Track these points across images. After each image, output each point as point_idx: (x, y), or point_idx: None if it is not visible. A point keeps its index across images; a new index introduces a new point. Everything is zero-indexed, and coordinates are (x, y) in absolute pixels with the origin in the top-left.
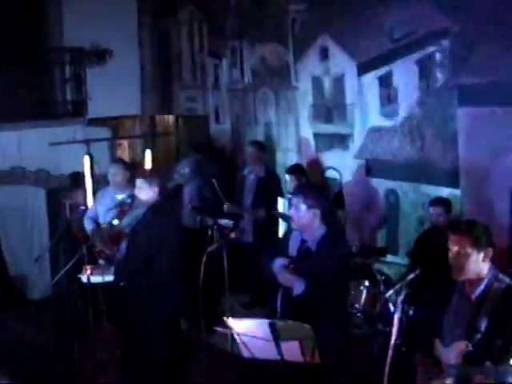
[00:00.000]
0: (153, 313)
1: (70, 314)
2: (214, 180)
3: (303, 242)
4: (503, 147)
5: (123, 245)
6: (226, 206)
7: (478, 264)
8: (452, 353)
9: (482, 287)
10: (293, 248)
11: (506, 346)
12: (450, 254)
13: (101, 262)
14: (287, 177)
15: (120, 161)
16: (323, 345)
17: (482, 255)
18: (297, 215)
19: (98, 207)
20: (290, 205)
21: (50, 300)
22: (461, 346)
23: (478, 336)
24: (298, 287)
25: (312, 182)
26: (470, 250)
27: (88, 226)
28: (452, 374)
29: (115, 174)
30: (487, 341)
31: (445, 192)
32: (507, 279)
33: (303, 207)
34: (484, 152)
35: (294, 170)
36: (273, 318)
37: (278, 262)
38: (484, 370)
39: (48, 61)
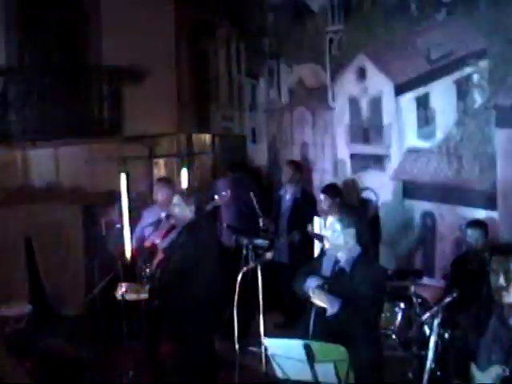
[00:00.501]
0: (186, 331)
1: (104, 330)
2: (252, 193)
3: (337, 262)
4: None
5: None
6: (261, 220)
7: None
8: (488, 377)
9: None
10: (326, 269)
11: None
12: (496, 276)
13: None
14: (322, 196)
15: (163, 179)
16: (357, 367)
17: None
18: (332, 235)
19: (143, 226)
20: (325, 225)
21: (84, 316)
22: (497, 370)
23: None
24: (333, 307)
25: (347, 201)
26: None
27: (133, 243)
28: None
29: (158, 192)
30: None
31: (482, 214)
32: None
33: (338, 227)
34: None
35: (329, 189)
36: (305, 338)
37: (312, 282)
38: None
39: (86, 79)
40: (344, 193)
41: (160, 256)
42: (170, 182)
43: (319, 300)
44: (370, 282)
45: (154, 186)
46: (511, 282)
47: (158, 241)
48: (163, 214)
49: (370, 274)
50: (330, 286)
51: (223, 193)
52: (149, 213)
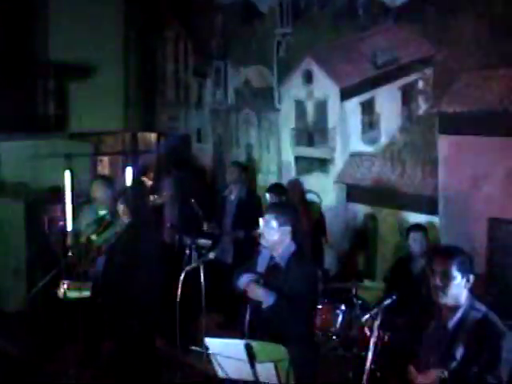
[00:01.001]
0: (128, 329)
1: (45, 328)
2: (193, 200)
3: (272, 258)
4: (482, 176)
5: (100, 261)
6: (205, 225)
7: (460, 289)
8: (427, 379)
9: (458, 315)
10: (261, 265)
11: (481, 374)
12: (434, 277)
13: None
14: (267, 195)
15: (102, 177)
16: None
17: (464, 281)
18: (268, 232)
19: (81, 223)
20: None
21: (25, 313)
22: (436, 373)
23: (454, 364)
24: (268, 299)
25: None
26: (455, 273)
27: (69, 240)
28: None
29: (97, 190)
30: (462, 369)
31: (423, 219)
32: (484, 308)
33: (275, 224)
34: (463, 180)
35: (274, 188)
36: (242, 332)
37: (246, 277)
38: None
39: (32, 74)
40: (290, 194)
41: (96, 253)
42: (108, 179)
43: (254, 294)
44: (303, 279)
45: (93, 184)
46: (449, 284)
47: (94, 237)
48: (101, 212)
49: (304, 271)
50: (265, 280)
51: (164, 193)
52: (86, 210)
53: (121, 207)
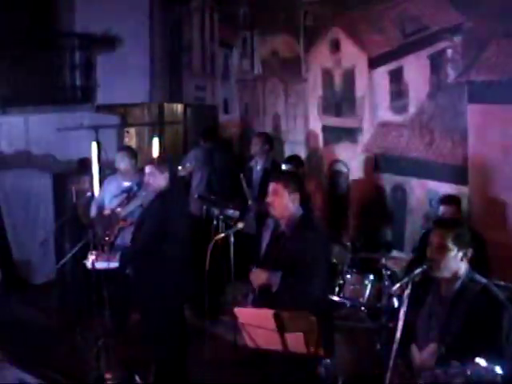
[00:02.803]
0: (157, 300)
1: (73, 298)
2: (241, 175)
3: (278, 225)
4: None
5: (127, 232)
6: (250, 202)
7: (457, 262)
8: (425, 354)
9: (457, 287)
10: (266, 233)
11: (480, 347)
12: (430, 249)
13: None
14: (284, 166)
15: (126, 148)
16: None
17: (461, 254)
18: (277, 201)
19: (104, 194)
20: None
21: (53, 284)
22: (433, 348)
23: (452, 338)
24: (275, 281)
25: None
26: (450, 246)
27: (93, 211)
28: (426, 379)
29: (121, 161)
30: (461, 343)
31: (453, 189)
32: (484, 280)
33: (284, 193)
34: (493, 149)
35: (291, 159)
36: None
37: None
38: (450, 371)
39: (58, 46)
40: (316, 165)
41: (121, 224)
42: (132, 151)
43: (260, 280)
44: (310, 242)
45: (117, 156)
46: (444, 257)
47: (119, 209)
48: (125, 184)
49: (310, 235)
50: (270, 251)
51: (187, 164)
52: (110, 181)
53: (157, 175)
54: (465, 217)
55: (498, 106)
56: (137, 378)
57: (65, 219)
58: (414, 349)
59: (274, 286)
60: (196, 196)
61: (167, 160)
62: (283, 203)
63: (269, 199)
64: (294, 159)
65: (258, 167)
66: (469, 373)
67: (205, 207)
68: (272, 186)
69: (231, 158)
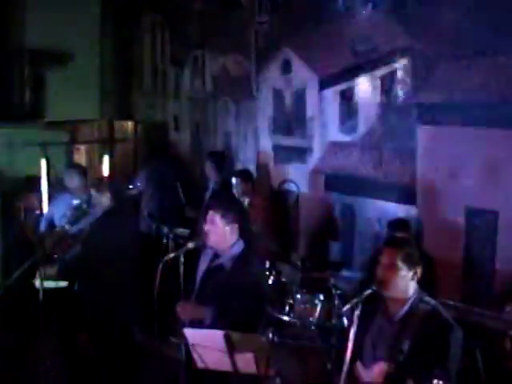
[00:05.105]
0: (105, 318)
1: (20, 318)
2: (178, 183)
3: (216, 257)
4: (460, 165)
5: (75, 249)
6: (187, 211)
7: (406, 282)
8: (372, 374)
9: (406, 308)
10: (202, 264)
11: (429, 367)
12: (379, 268)
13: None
14: (234, 180)
15: (76, 166)
16: None
17: (410, 273)
18: (213, 231)
19: (53, 211)
20: (205, 219)
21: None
22: (382, 366)
23: (401, 357)
24: (209, 315)
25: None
26: (400, 265)
27: (42, 228)
28: None
29: (70, 179)
30: (410, 362)
31: (401, 209)
32: (433, 301)
33: (220, 222)
34: (441, 169)
35: (241, 173)
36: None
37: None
38: None
39: (7, 61)
40: (266, 184)
41: (72, 242)
42: (81, 168)
43: (190, 314)
44: (252, 280)
45: (66, 173)
46: (394, 276)
47: (67, 227)
48: (75, 201)
49: (253, 271)
50: (205, 283)
51: (138, 183)
52: (59, 198)
53: (99, 195)
54: (413, 236)
55: (446, 127)
56: None
57: (12, 237)
58: (359, 366)
59: (207, 319)
60: (145, 214)
61: (112, 180)
62: (219, 233)
63: (205, 228)
64: (243, 173)
65: (211, 185)
66: None
67: (154, 226)
68: (209, 215)
69: (182, 175)
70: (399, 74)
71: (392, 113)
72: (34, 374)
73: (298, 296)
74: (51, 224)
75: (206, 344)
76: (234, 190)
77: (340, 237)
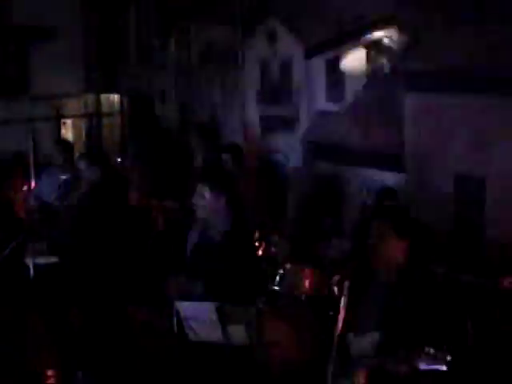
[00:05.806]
0: (95, 292)
1: (12, 294)
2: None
3: (206, 230)
4: (448, 132)
5: (64, 224)
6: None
7: (397, 250)
8: (365, 343)
9: (397, 275)
10: (192, 238)
11: (421, 333)
12: (371, 237)
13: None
14: (224, 156)
15: (63, 142)
16: None
17: (401, 242)
18: (202, 204)
19: (42, 187)
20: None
21: None
22: (374, 335)
23: (393, 325)
24: (200, 289)
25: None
26: (391, 233)
27: (31, 203)
28: (364, 365)
29: (58, 154)
30: (402, 329)
31: (389, 176)
32: (425, 269)
33: (209, 195)
34: (429, 137)
35: (230, 148)
36: None
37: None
38: (397, 359)
39: None
40: (253, 155)
41: (58, 216)
42: (68, 144)
43: (176, 290)
44: (239, 254)
45: (53, 149)
46: (385, 246)
47: (56, 202)
48: (63, 177)
49: (240, 244)
50: (194, 258)
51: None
52: (47, 174)
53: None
54: (404, 204)
55: (434, 95)
56: (79, 374)
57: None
58: (350, 337)
59: (197, 292)
60: (135, 188)
61: (99, 153)
62: (209, 207)
63: (194, 200)
64: (232, 148)
65: (199, 159)
66: (416, 361)
67: (143, 199)
68: (198, 188)
69: (169, 147)
70: (385, 42)
71: (379, 81)
72: (25, 348)
73: (289, 266)
74: (40, 200)
75: (199, 317)
76: (224, 165)
77: (329, 206)
